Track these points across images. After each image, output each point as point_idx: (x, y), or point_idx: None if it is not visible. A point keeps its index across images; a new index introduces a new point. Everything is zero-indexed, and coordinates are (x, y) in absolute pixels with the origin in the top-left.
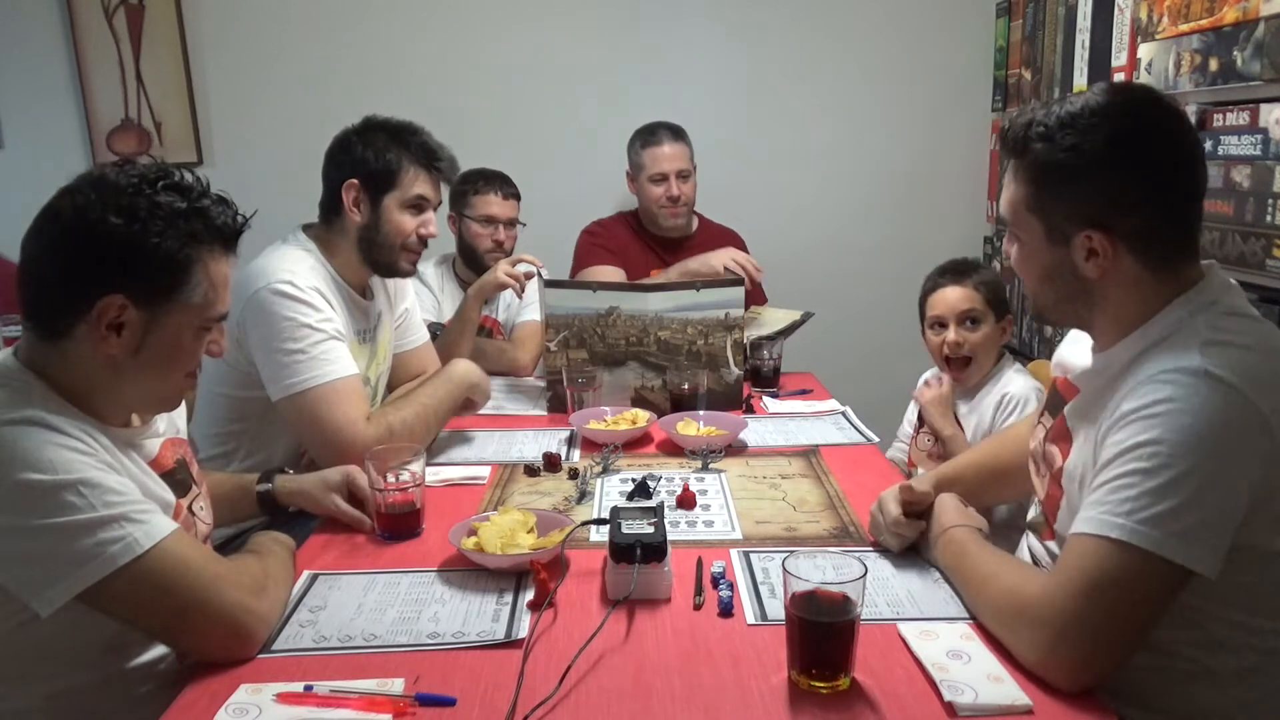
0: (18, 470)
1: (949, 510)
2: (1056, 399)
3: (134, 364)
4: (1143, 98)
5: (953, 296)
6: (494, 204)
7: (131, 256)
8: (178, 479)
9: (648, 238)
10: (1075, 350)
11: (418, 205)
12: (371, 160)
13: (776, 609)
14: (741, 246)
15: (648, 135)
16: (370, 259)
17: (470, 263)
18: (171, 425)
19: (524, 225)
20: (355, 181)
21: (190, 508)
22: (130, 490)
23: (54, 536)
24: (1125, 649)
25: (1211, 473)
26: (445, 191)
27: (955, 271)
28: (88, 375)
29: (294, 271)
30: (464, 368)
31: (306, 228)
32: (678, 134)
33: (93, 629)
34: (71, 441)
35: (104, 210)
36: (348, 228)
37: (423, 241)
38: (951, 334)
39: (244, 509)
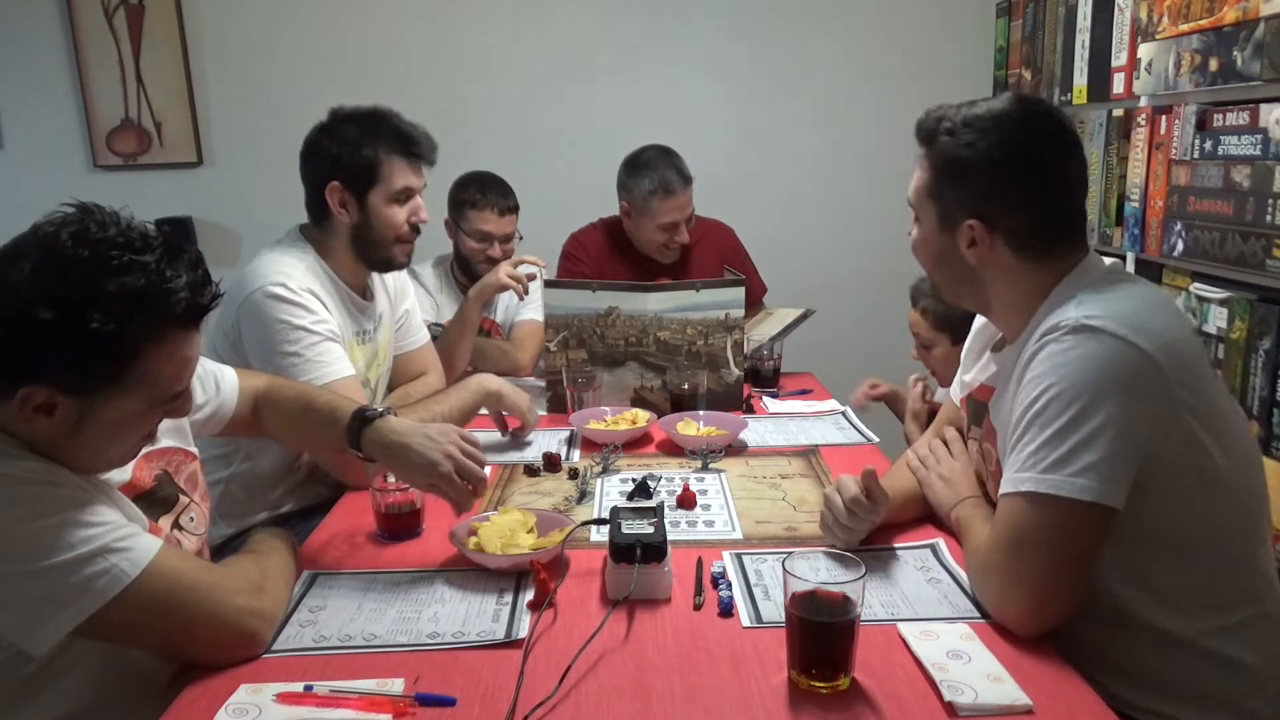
0: None
1: (960, 480)
2: (977, 409)
3: (74, 440)
4: (1035, 111)
5: (911, 319)
6: (489, 221)
7: (58, 349)
8: (159, 496)
9: (633, 252)
10: (967, 367)
11: (404, 195)
12: (346, 158)
13: (771, 611)
14: (732, 240)
15: (663, 186)
16: (365, 256)
17: (465, 270)
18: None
19: (521, 238)
20: (336, 183)
21: (178, 521)
22: (109, 517)
23: (36, 580)
24: (1067, 593)
25: (1101, 411)
26: (448, 185)
27: (914, 292)
28: (31, 438)
29: (288, 274)
30: (480, 377)
31: (303, 228)
32: (686, 177)
33: (91, 655)
34: (37, 488)
35: (35, 295)
36: (338, 229)
37: (415, 230)
38: (914, 352)
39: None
